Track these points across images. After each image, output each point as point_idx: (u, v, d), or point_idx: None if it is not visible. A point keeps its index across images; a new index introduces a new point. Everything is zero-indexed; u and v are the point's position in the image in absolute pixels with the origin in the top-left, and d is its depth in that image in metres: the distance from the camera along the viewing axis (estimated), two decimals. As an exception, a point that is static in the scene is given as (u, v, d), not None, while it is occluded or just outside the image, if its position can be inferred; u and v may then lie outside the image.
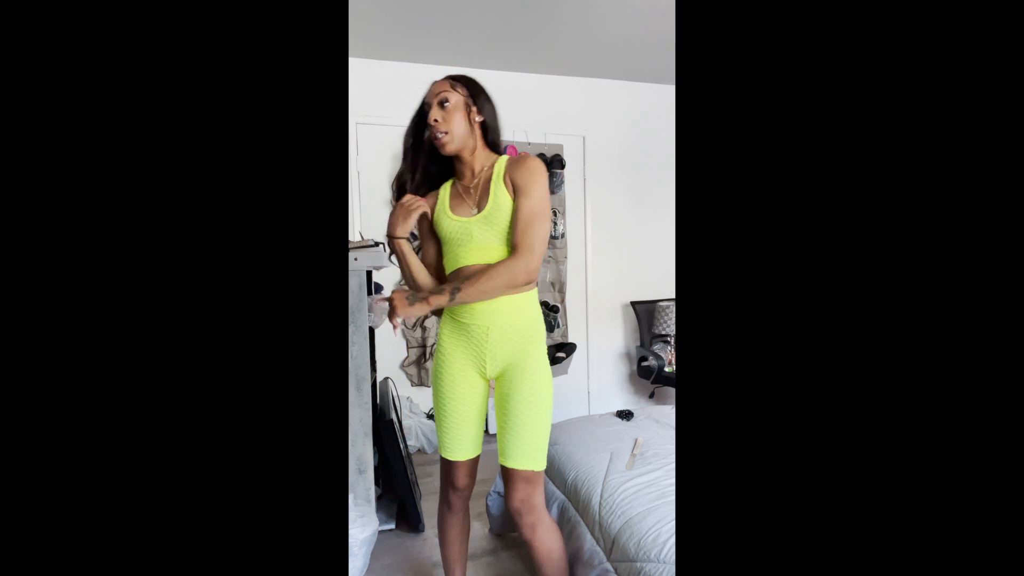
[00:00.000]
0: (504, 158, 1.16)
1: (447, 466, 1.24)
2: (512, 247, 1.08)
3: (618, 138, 3.23)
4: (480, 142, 1.16)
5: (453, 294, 1.06)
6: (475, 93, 1.15)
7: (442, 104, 1.12)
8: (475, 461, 1.24)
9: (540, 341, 1.17)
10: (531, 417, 1.11)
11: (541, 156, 3.03)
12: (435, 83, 1.16)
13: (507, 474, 1.14)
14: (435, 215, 1.18)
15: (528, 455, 1.11)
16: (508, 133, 2.92)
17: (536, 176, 1.09)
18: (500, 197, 1.11)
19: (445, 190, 1.20)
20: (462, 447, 1.20)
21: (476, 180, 1.15)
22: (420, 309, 1.06)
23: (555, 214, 3.07)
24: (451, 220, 1.15)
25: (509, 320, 1.14)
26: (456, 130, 1.12)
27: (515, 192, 1.10)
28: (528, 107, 3.02)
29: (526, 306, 1.15)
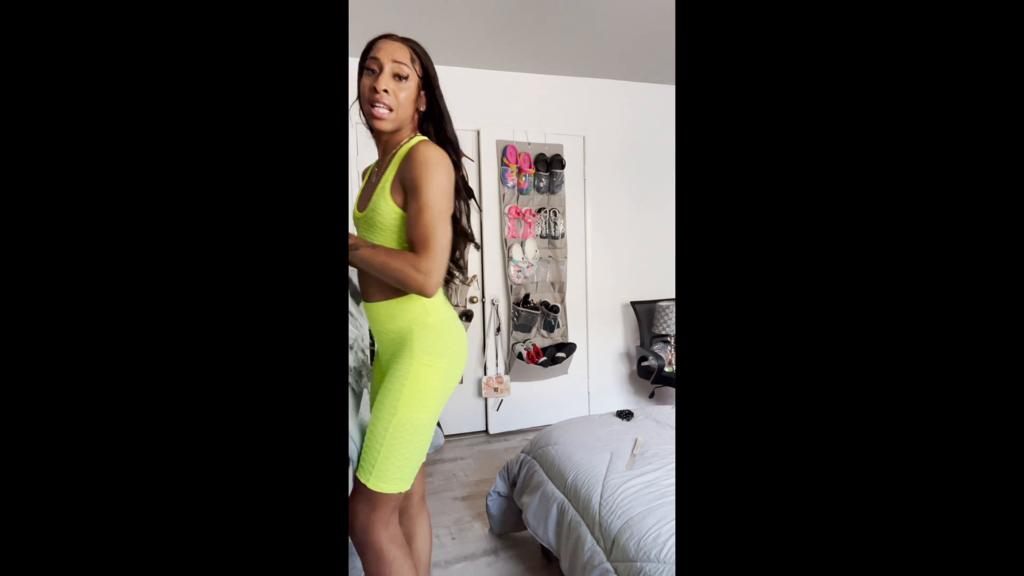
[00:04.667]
0: (404, 148, 0.97)
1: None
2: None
3: (618, 138, 3.23)
4: (408, 130, 1.02)
5: (355, 248, 0.95)
6: (431, 76, 1.01)
7: (397, 76, 0.95)
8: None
9: (411, 354, 0.98)
10: (377, 428, 0.96)
11: (541, 156, 3.02)
12: (387, 43, 0.96)
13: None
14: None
15: (364, 467, 0.97)
16: (508, 133, 2.95)
17: (424, 171, 0.90)
18: (381, 199, 0.96)
19: (367, 174, 1.11)
20: None
21: (380, 170, 1.02)
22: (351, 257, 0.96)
23: (555, 214, 3.06)
24: (352, 214, 1.03)
25: (382, 327, 1.03)
26: (402, 112, 0.97)
27: (406, 193, 0.93)
28: (528, 107, 3.02)
29: (400, 314, 1.00)
